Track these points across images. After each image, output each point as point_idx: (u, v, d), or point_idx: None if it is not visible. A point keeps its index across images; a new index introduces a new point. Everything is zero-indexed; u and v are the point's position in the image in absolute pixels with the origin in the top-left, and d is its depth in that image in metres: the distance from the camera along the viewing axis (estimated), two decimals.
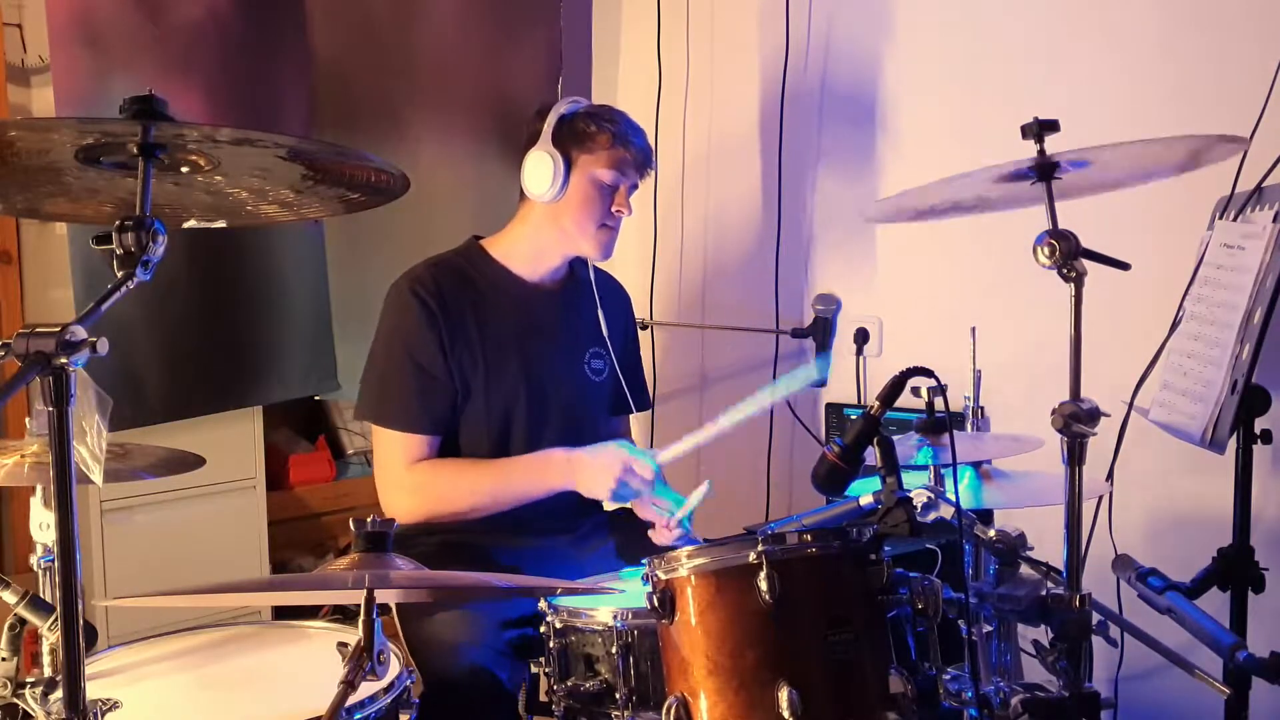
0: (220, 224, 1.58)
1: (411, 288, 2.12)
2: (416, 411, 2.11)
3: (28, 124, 1.88)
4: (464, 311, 2.14)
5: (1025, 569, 1.57)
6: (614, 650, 1.63)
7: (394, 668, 1.44)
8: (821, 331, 2.81)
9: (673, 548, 1.83)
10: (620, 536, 2.24)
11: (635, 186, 2.22)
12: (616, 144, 2.15)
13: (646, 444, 2.69)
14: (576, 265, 2.32)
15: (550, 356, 2.22)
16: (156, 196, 1.31)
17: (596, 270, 2.33)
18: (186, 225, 1.54)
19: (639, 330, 2.52)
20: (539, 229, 2.20)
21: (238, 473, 3.01)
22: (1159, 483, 2.27)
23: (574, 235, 2.17)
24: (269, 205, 1.55)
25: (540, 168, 2.13)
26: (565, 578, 1.94)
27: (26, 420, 1.64)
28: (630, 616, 1.63)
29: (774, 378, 2.94)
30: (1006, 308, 2.47)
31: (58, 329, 1.16)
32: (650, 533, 2.14)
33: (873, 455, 1.57)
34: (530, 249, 2.22)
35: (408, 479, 2.11)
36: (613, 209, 2.17)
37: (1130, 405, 2.02)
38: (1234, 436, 1.81)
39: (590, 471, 2.05)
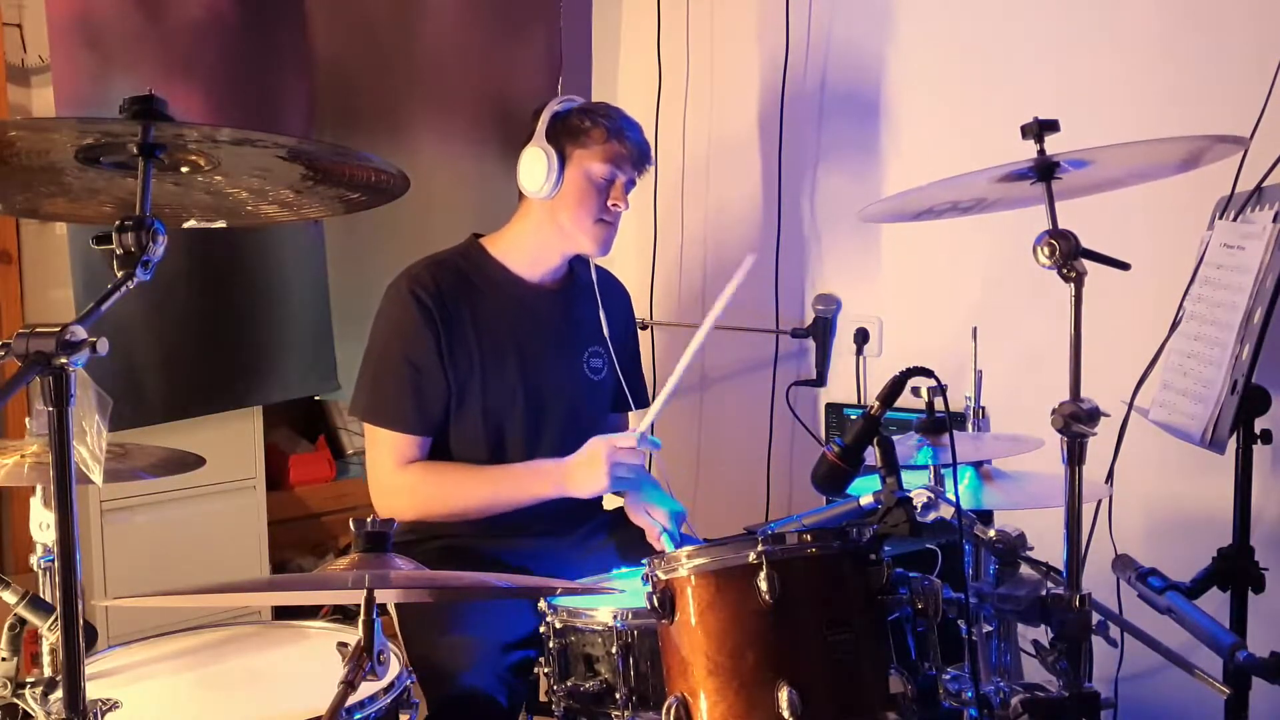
0: (220, 224, 1.58)
1: (409, 287, 2.12)
2: (409, 411, 2.11)
3: (28, 124, 1.88)
4: (461, 311, 2.14)
5: (1025, 569, 1.57)
6: (614, 650, 1.63)
7: (394, 668, 1.44)
8: (821, 331, 2.81)
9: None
10: (621, 537, 2.24)
11: (633, 183, 2.21)
12: (611, 138, 2.15)
13: None
14: (577, 264, 2.32)
15: (548, 356, 2.22)
16: (156, 196, 1.31)
17: (598, 269, 2.33)
18: (186, 225, 1.54)
19: (640, 329, 2.52)
20: (537, 227, 2.20)
21: (238, 473, 3.00)
22: (1159, 483, 2.27)
23: (571, 231, 2.17)
24: (269, 205, 1.55)
25: (534, 164, 2.14)
26: (566, 578, 1.94)
27: (26, 420, 1.64)
28: (630, 616, 1.63)
29: (774, 378, 2.95)
30: (1006, 308, 2.47)
31: (58, 329, 1.16)
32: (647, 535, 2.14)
33: (873, 455, 1.57)
34: (529, 247, 2.22)
35: (399, 479, 2.10)
36: (609, 204, 2.16)
37: (1130, 405, 2.02)
38: (1234, 436, 1.81)
39: (581, 473, 2.04)
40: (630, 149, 2.17)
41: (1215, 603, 1.78)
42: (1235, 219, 1.93)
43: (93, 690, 1.32)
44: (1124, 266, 1.52)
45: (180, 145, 1.33)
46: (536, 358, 2.20)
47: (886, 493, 1.55)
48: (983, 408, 1.97)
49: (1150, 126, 2.06)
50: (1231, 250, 1.87)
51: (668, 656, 1.51)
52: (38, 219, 2.89)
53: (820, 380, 2.83)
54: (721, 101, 3.08)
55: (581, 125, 2.15)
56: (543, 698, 1.87)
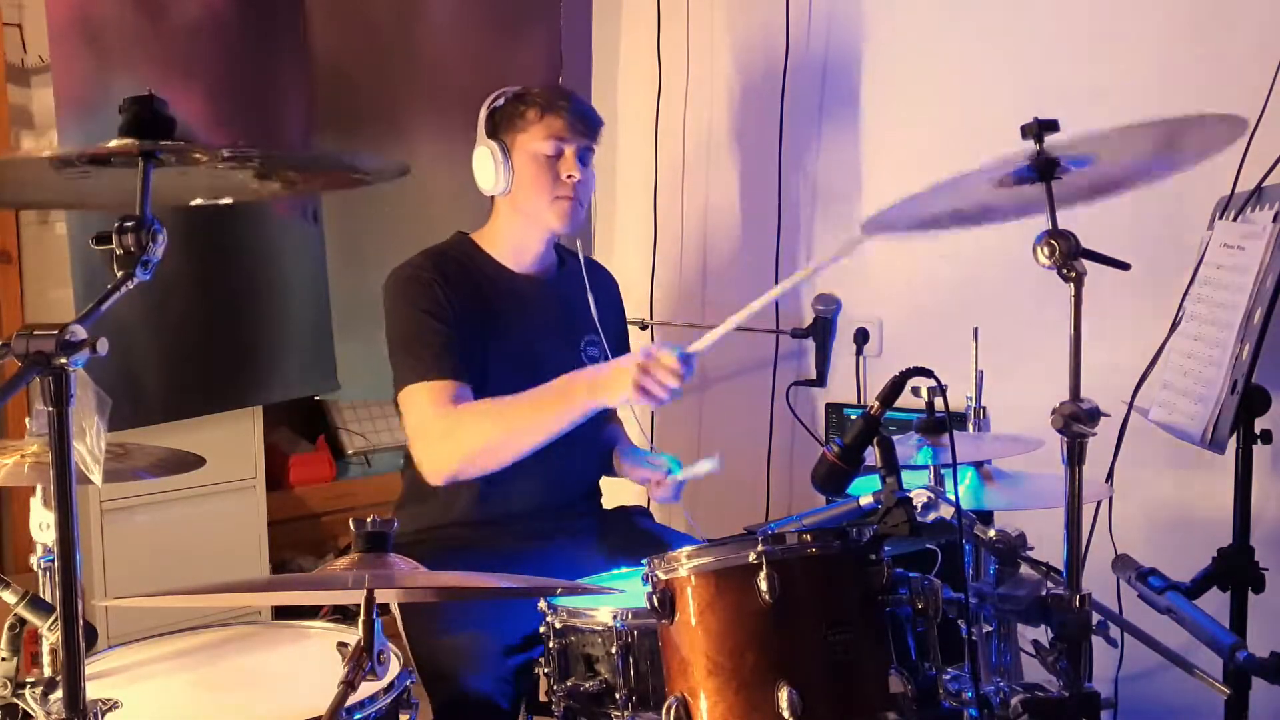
0: (227, 201, 1.58)
1: (411, 272, 2.12)
2: (443, 356, 2.05)
3: (23, 159, 1.82)
4: (464, 295, 2.13)
5: (1025, 569, 1.57)
6: (614, 650, 1.63)
7: (394, 668, 1.44)
8: (821, 331, 2.81)
9: (671, 547, 1.83)
10: (618, 537, 2.24)
11: (589, 150, 2.19)
12: (545, 114, 2.14)
13: (646, 443, 2.69)
14: (566, 255, 2.32)
15: (548, 344, 2.22)
16: (160, 180, 1.30)
17: (586, 259, 2.32)
18: (194, 203, 1.55)
19: (640, 329, 2.52)
20: (509, 221, 2.21)
21: (238, 473, 3.00)
22: (1159, 483, 2.27)
23: (535, 214, 2.17)
24: (274, 183, 1.55)
25: (483, 163, 2.16)
26: (566, 579, 1.94)
27: (26, 420, 1.64)
28: (630, 616, 1.63)
29: (774, 378, 2.95)
30: (1007, 308, 2.47)
31: (58, 329, 1.16)
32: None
33: (873, 455, 1.57)
34: (510, 242, 2.23)
35: (437, 425, 2.03)
36: (563, 176, 2.14)
37: (1130, 405, 2.02)
38: (1234, 436, 1.81)
39: (608, 376, 1.97)
40: (568, 117, 2.15)
41: (1215, 603, 1.78)
42: (1235, 219, 1.93)
43: (93, 690, 1.32)
44: (1124, 266, 1.51)
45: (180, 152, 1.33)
46: (537, 346, 2.20)
47: (886, 493, 1.55)
48: (983, 408, 1.97)
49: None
50: (1231, 250, 1.87)
51: (668, 657, 1.51)
52: (36, 209, 2.88)
53: (820, 380, 2.83)
54: (721, 100, 3.07)
55: (516, 111, 2.16)
56: (543, 698, 1.87)
